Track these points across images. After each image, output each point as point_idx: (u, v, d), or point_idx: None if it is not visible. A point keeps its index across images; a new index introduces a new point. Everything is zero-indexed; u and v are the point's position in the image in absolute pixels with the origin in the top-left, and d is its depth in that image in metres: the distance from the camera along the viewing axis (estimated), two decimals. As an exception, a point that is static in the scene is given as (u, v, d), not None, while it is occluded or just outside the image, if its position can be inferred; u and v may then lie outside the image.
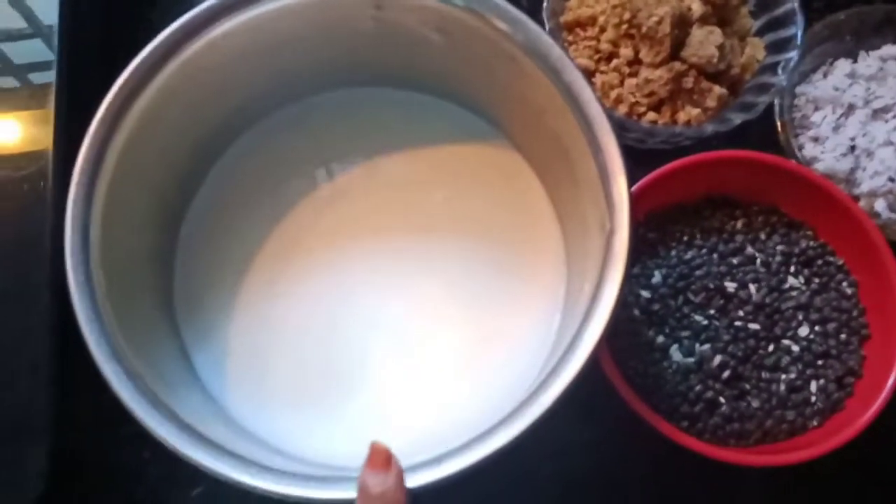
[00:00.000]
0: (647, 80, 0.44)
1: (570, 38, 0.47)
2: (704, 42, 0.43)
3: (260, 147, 0.44)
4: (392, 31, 0.38)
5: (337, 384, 0.40)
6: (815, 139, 0.47)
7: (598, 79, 0.45)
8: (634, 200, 0.33)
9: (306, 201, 0.43)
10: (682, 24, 0.43)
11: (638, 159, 0.47)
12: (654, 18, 0.43)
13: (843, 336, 0.42)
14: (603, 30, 0.45)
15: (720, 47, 0.43)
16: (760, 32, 0.47)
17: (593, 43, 0.46)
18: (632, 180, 0.42)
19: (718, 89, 0.44)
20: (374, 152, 0.44)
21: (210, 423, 0.35)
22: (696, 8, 0.44)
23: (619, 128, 0.45)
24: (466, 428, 0.36)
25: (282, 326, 0.41)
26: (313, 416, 0.40)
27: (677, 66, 0.43)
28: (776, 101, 0.47)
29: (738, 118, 0.44)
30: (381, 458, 0.29)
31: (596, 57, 0.46)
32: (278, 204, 0.43)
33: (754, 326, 0.42)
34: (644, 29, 0.43)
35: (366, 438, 0.39)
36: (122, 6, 0.52)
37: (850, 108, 0.47)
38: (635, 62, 0.45)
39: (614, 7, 0.44)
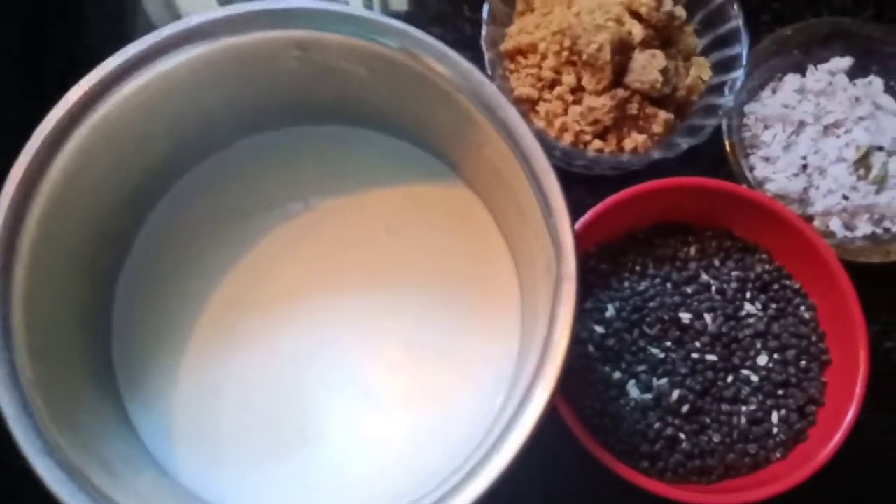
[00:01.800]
0: (591, 108, 0.42)
1: (512, 66, 0.45)
2: (647, 67, 0.42)
3: (193, 198, 0.42)
4: (318, 69, 0.37)
5: (289, 442, 0.38)
6: (767, 159, 0.46)
7: (542, 107, 0.44)
8: (580, 236, 0.31)
9: (246, 252, 0.41)
10: (623, 49, 0.42)
11: (587, 186, 0.46)
12: (594, 45, 0.41)
13: (802, 363, 0.41)
14: (544, 57, 0.44)
15: (664, 71, 0.42)
16: (706, 52, 0.46)
17: (535, 70, 0.44)
18: (581, 208, 0.41)
19: (664, 114, 0.43)
20: (316, 195, 0.42)
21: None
22: (637, 32, 0.42)
23: (566, 157, 0.44)
24: (418, 486, 0.35)
25: (229, 386, 0.39)
26: (267, 478, 0.38)
27: (620, 92, 0.42)
28: (724, 122, 0.46)
29: (685, 143, 0.43)
30: None
31: (539, 85, 0.44)
32: (217, 257, 0.41)
33: (711, 358, 0.41)
34: (585, 56, 0.42)
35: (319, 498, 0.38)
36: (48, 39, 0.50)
37: (801, 125, 0.46)
38: (578, 89, 0.43)
39: (554, 34, 0.43)
